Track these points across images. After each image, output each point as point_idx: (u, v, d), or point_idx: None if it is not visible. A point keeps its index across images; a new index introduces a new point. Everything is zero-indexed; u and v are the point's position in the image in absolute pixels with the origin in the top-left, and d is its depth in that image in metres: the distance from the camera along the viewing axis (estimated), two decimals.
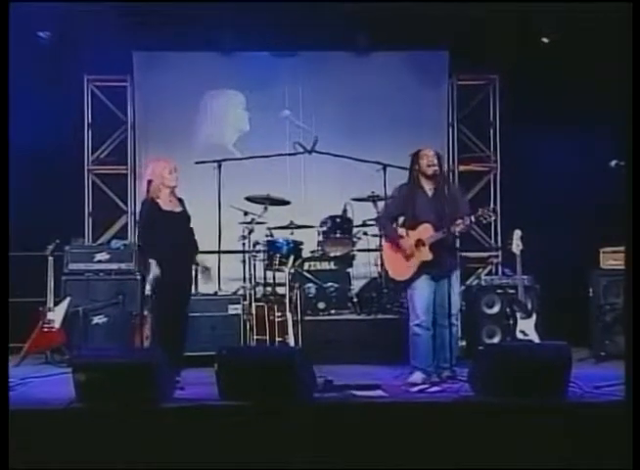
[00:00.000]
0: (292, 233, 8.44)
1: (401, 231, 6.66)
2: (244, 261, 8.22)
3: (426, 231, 6.52)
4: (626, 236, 4.86)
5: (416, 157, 6.69)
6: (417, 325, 6.53)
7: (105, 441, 4.90)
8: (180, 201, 6.73)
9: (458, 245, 6.82)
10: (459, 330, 8.04)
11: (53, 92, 9.14)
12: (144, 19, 8.96)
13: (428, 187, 6.65)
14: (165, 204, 6.63)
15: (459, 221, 6.45)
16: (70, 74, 9.52)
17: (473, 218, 6.53)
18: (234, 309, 7.97)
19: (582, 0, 7.97)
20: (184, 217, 6.69)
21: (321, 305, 8.35)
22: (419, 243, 6.51)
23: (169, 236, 6.51)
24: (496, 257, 9.83)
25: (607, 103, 8.69)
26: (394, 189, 7.01)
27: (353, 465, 4.89)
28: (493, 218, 7.04)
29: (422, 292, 6.55)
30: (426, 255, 6.49)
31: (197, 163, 8.74)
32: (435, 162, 6.60)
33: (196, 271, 7.48)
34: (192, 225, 6.82)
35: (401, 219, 6.79)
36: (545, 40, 9.21)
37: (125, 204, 9.88)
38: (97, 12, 8.51)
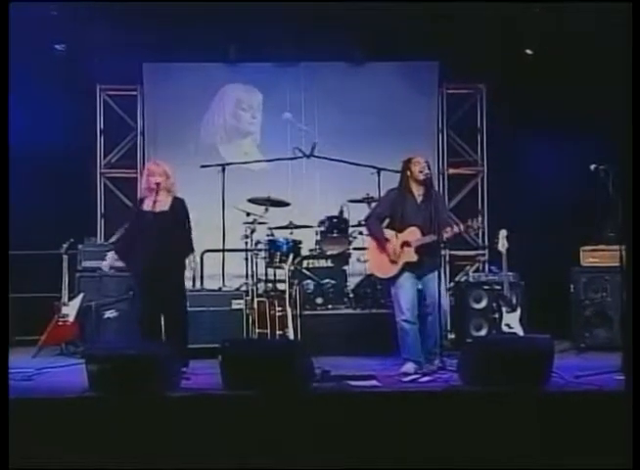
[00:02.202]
0: (291, 233, 8.43)
1: (389, 232, 6.64)
2: (246, 259, 8.21)
3: (413, 234, 6.53)
4: (626, 236, 4.84)
5: (408, 163, 6.69)
6: (404, 320, 6.54)
7: (115, 427, 4.89)
8: (175, 201, 6.61)
9: (447, 244, 6.82)
10: (448, 323, 8.05)
11: (68, 101, 9.15)
12: (153, 32, 8.95)
13: (417, 193, 6.65)
14: (149, 205, 6.55)
15: (448, 229, 6.47)
16: (84, 84, 9.52)
17: (462, 227, 6.56)
18: (237, 304, 7.94)
19: (582, 0, 7.94)
20: (166, 217, 6.52)
21: (319, 301, 8.33)
22: (405, 244, 6.52)
23: (146, 235, 6.41)
24: (483, 255, 9.81)
25: (586, 109, 8.74)
26: (385, 192, 7.02)
27: (350, 450, 4.88)
28: (480, 230, 7.10)
29: (406, 290, 6.56)
30: (411, 256, 6.50)
31: (202, 166, 8.73)
32: (427, 169, 6.62)
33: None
34: (181, 225, 6.67)
35: (387, 221, 6.77)
36: (529, 52, 9.21)
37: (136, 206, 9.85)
38: (109, 26, 8.51)
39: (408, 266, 6.53)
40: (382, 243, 6.61)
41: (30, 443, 4.71)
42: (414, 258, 6.49)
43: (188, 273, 7.05)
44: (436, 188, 7.31)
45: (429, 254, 6.50)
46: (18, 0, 6.51)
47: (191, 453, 4.85)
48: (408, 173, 6.65)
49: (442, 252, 7.02)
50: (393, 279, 6.58)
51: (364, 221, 7.24)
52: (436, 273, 6.49)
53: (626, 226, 4.68)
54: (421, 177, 6.59)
